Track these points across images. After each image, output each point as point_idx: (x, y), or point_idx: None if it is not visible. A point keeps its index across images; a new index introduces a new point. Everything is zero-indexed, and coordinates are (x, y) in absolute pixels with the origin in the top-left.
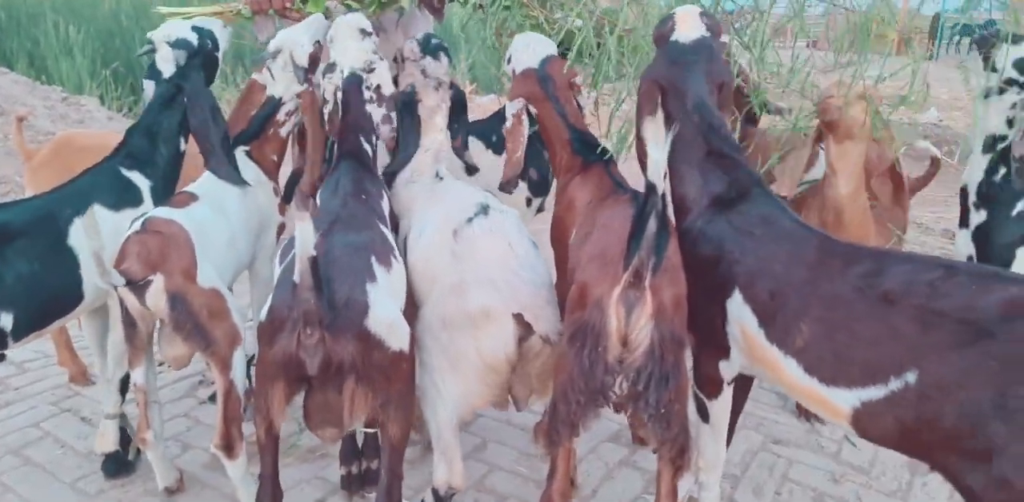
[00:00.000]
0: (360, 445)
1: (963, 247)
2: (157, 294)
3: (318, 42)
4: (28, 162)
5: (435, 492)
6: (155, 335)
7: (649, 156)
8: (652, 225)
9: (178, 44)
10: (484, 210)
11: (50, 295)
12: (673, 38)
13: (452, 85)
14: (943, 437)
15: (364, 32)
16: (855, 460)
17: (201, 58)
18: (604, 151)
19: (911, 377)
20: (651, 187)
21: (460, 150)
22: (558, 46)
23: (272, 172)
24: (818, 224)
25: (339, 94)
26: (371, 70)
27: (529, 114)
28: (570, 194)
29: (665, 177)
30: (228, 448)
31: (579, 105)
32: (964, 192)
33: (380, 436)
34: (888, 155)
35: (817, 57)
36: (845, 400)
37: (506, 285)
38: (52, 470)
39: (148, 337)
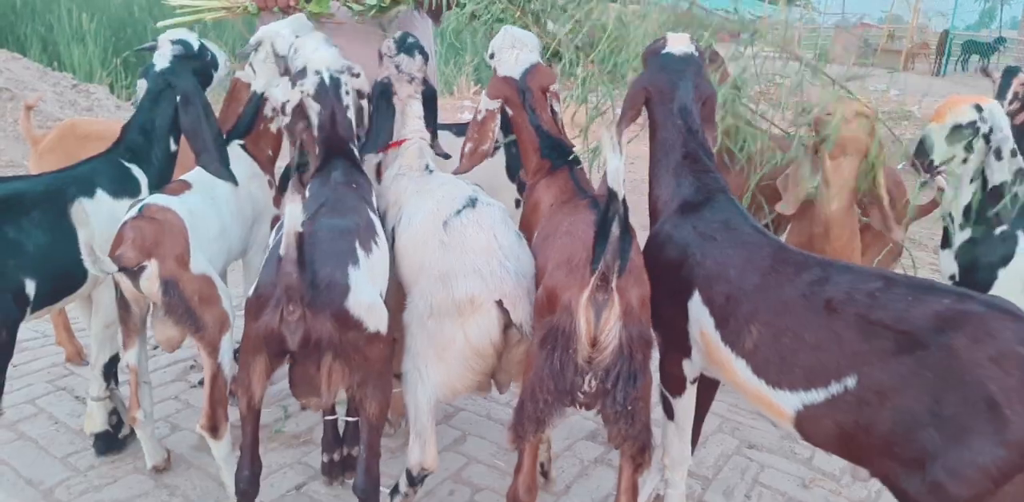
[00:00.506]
0: (341, 434)
1: (946, 266)
2: (151, 279)
3: (298, 37)
4: (34, 147)
5: (408, 473)
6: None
7: (608, 164)
8: (615, 230)
9: (178, 42)
10: (472, 203)
11: (62, 268)
12: (664, 51)
13: (424, 81)
14: (880, 442)
15: (327, 41)
16: (826, 467)
17: (197, 63)
18: (571, 156)
19: (850, 382)
20: (612, 193)
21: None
22: (548, 58)
23: (267, 165)
24: (807, 236)
25: (310, 101)
26: (356, 75)
27: (505, 117)
28: (536, 196)
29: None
30: (213, 429)
31: (554, 111)
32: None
33: (359, 414)
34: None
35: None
36: (789, 402)
37: (491, 274)
38: (45, 445)
39: (142, 320)
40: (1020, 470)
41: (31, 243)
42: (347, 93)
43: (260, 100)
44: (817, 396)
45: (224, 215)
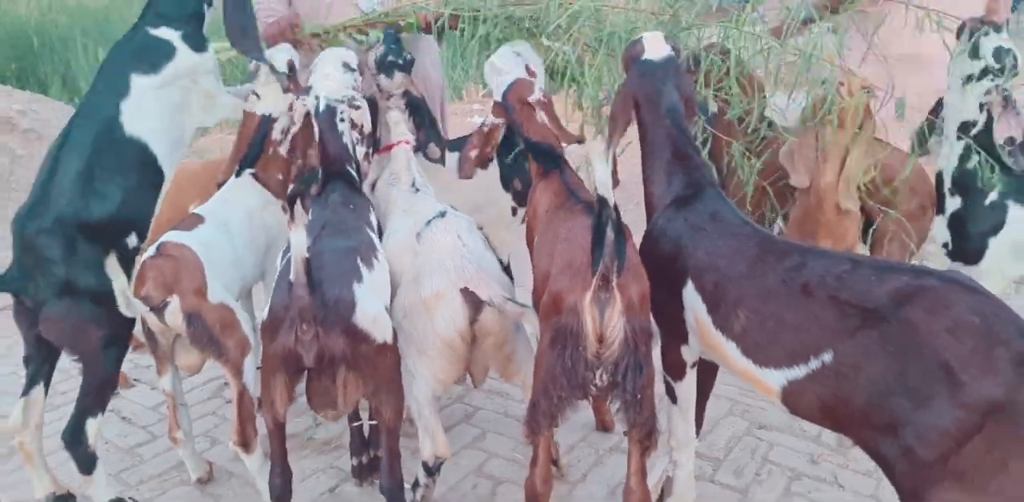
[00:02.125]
0: (367, 437)
1: (939, 234)
2: (175, 313)
3: (292, 59)
4: None
5: (425, 465)
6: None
7: (595, 172)
8: (610, 233)
9: None
10: (441, 215)
11: None
12: (644, 57)
13: (406, 93)
14: (857, 412)
15: (347, 66)
16: (834, 442)
17: None
18: (559, 160)
19: (827, 358)
20: (603, 200)
21: (422, 145)
22: (548, 73)
23: (279, 192)
24: (802, 209)
25: (313, 119)
26: (355, 107)
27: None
28: (535, 200)
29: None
30: (245, 444)
31: (548, 116)
32: (939, 179)
33: (376, 420)
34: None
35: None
36: (775, 379)
37: (454, 269)
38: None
39: (170, 348)
40: (978, 430)
41: None
42: (341, 121)
43: (269, 122)
44: (799, 372)
45: (237, 245)
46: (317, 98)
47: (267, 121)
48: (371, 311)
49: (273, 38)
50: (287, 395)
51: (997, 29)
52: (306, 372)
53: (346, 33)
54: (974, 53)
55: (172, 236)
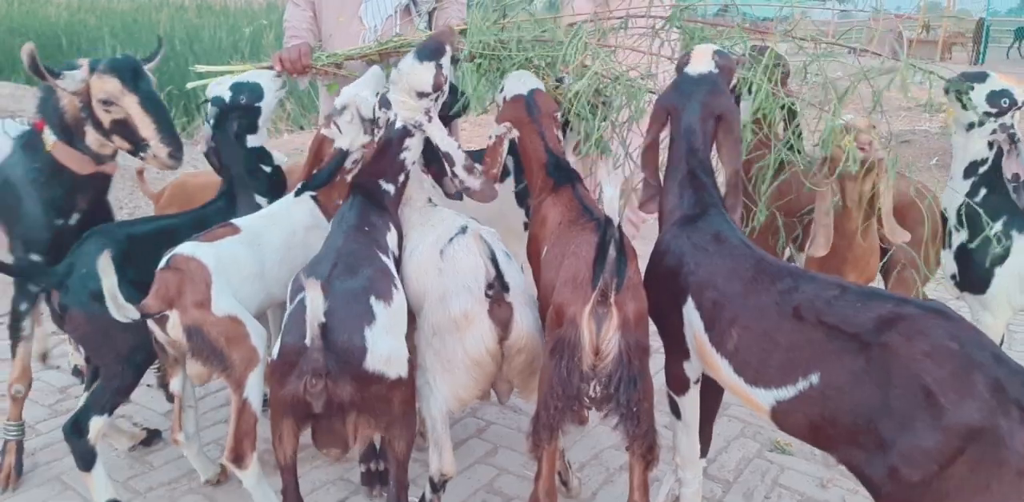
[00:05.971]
0: (378, 446)
1: (947, 267)
2: (175, 327)
3: (378, 94)
4: (155, 203)
5: (431, 480)
6: None
7: (604, 192)
8: (612, 251)
9: (214, 101)
10: (463, 230)
11: None
12: (685, 70)
13: None
14: (844, 433)
15: (420, 94)
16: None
17: (237, 111)
18: (573, 175)
19: (814, 380)
20: (608, 219)
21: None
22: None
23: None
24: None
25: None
26: (418, 128)
27: (512, 141)
28: (543, 212)
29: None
30: (238, 460)
31: (558, 136)
32: (944, 216)
33: (387, 451)
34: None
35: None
36: (765, 398)
37: (479, 289)
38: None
39: (180, 358)
40: (960, 453)
41: None
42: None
43: (344, 156)
44: (787, 393)
45: (267, 259)
46: (396, 116)
47: (343, 155)
48: (384, 352)
49: (289, 67)
50: (296, 435)
51: (981, 79)
52: (315, 415)
53: (364, 61)
54: (964, 107)
55: (185, 247)
